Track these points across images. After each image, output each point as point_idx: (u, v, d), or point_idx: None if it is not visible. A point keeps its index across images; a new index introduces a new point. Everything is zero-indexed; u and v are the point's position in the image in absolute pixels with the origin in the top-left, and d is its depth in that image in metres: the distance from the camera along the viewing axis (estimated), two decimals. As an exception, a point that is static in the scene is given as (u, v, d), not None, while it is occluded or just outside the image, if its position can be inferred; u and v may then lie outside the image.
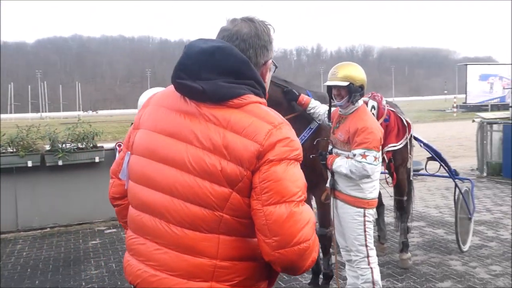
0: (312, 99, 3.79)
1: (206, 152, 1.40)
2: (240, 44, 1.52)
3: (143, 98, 3.31)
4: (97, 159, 6.79)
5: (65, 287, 4.52)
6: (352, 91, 3.32)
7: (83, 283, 4.60)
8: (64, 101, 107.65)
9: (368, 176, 3.23)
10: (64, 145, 6.61)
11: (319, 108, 3.74)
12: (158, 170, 1.47)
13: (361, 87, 3.33)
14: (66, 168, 6.66)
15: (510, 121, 9.52)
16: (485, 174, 9.60)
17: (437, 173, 5.48)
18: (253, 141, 1.38)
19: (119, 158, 1.72)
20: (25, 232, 6.50)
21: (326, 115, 3.68)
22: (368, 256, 3.34)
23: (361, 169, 3.18)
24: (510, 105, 10.33)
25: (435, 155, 5.22)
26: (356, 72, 3.35)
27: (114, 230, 6.54)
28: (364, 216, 3.32)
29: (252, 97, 1.46)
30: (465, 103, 40.91)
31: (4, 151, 6.42)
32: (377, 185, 3.42)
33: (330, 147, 3.55)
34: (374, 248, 3.43)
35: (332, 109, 3.60)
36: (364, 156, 3.18)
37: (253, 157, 1.38)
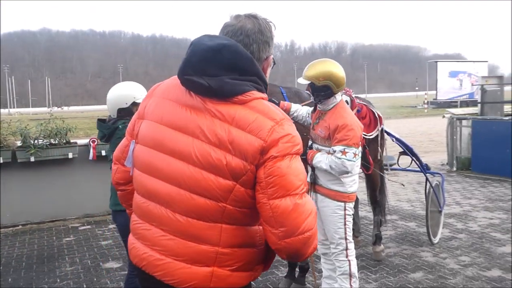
0: (292, 104, 3.82)
1: (212, 146, 1.48)
2: (244, 39, 1.61)
3: (113, 92, 3.35)
4: (70, 155, 6.69)
5: (39, 285, 4.45)
6: (313, 90, 3.39)
7: (58, 280, 4.55)
8: (33, 96, 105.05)
9: (347, 172, 3.29)
10: (36, 141, 6.49)
11: (300, 111, 3.79)
12: (165, 162, 1.54)
13: (326, 86, 3.33)
14: (38, 164, 6.54)
15: (479, 117, 9.82)
16: (454, 169, 9.86)
17: (409, 168, 5.60)
18: (257, 137, 1.46)
19: (123, 146, 1.78)
20: (-5, 230, 6.36)
21: (308, 116, 3.72)
22: (346, 249, 3.41)
23: (340, 165, 3.23)
24: (479, 101, 10.62)
25: (407, 150, 5.34)
26: (318, 71, 3.34)
27: (89, 227, 6.46)
28: (345, 209, 3.39)
29: (255, 93, 1.54)
30: (435, 99, 41.83)
31: (-27, 147, 6.26)
32: (356, 179, 3.49)
33: (310, 142, 3.60)
34: (353, 241, 3.50)
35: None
36: (344, 152, 3.23)
37: (257, 152, 1.46)
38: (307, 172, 3.93)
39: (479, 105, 10.51)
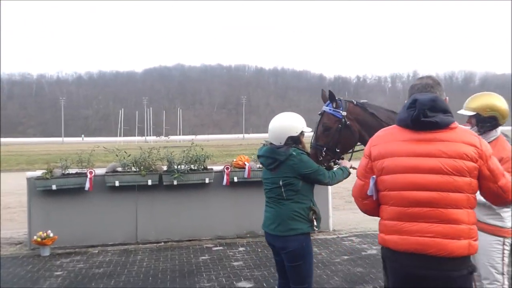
0: None
1: (452, 159, 2.30)
2: (431, 90, 2.52)
3: (283, 121, 3.44)
4: (207, 180, 7.34)
5: (183, 296, 4.95)
6: (479, 121, 3.41)
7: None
8: (167, 125, 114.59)
9: (508, 205, 3.24)
10: (179, 166, 7.25)
11: None
12: (422, 178, 2.31)
13: (492, 117, 3.37)
14: (179, 187, 7.28)
15: None
16: None
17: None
18: (475, 147, 2.33)
19: (359, 185, 2.58)
20: (143, 244, 7.17)
21: None
22: (503, 284, 3.33)
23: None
24: None
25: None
26: (488, 103, 3.40)
27: (221, 248, 6.97)
28: (504, 244, 3.32)
29: (456, 122, 2.40)
30: None
31: (129, 170, 7.19)
32: None
33: None
34: (508, 276, 3.40)
35: None
36: None
37: (477, 156, 2.32)
38: None
39: None
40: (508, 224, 3.34)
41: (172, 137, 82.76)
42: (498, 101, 3.44)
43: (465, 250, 2.28)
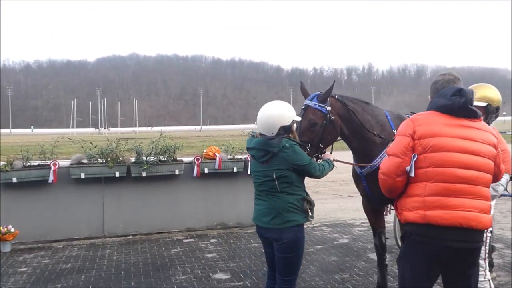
0: None
1: (487, 145, 2.64)
2: (453, 84, 2.79)
3: (275, 110, 3.28)
4: (177, 172, 7.19)
5: (159, 289, 4.83)
6: (489, 112, 3.46)
7: (175, 287, 4.91)
8: (122, 117, 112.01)
9: (495, 197, 3.32)
10: (148, 158, 7.05)
11: None
12: (469, 158, 2.56)
13: (497, 108, 3.45)
14: (148, 179, 7.10)
15: None
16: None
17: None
18: (495, 137, 2.71)
19: (397, 163, 2.64)
20: (110, 238, 6.95)
21: None
22: (485, 269, 3.42)
23: (491, 190, 3.20)
24: None
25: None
26: (493, 94, 3.46)
27: (192, 240, 6.86)
28: (486, 232, 3.40)
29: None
30: (527, 125, 39.09)
31: (95, 162, 6.93)
32: (494, 203, 3.50)
33: None
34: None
35: None
36: None
37: (497, 145, 2.72)
38: None
39: None
40: (491, 213, 3.43)
41: (126, 129, 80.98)
42: (497, 92, 3.55)
43: (490, 223, 2.61)
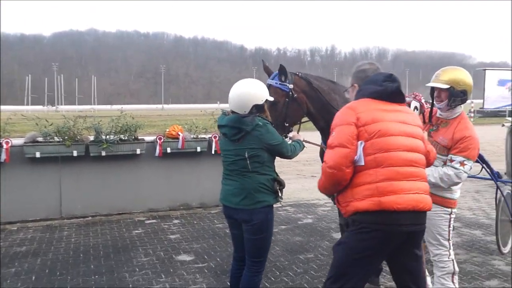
0: None
1: (418, 127, 2.70)
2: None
3: (248, 88, 3.18)
4: (138, 151, 6.96)
5: (120, 273, 4.68)
6: (453, 95, 3.36)
7: (137, 269, 4.77)
8: (80, 94, 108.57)
9: (458, 184, 3.33)
10: (108, 137, 6.79)
11: None
12: (411, 141, 2.60)
13: (463, 92, 3.35)
14: (108, 159, 6.85)
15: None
16: (506, 178, 9.58)
17: (479, 175, 5.52)
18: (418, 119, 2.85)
19: (344, 153, 2.51)
20: (68, 219, 6.70)
21: None
22: (449, 249, 3.45)
23: (454, 177, 3.25)
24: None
25: (478, 157, 5.28)
26: (460, 76, 3.36)
27: (154, 221, 6.70)
28: (450, 214, 3.43)
29: None
30: (482, 108, 40.58)
31: (51, 140, 6.61)
32: (460, 185, 3.50)
33: None
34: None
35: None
36: (462, 164, 3.25)
37: (422, 126, 2.85)
38: None
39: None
40: (455, 195, 3.47)
41: (84, 107, 78.70)
42: (468, 76, 3.43)
43: (431, 204, 2.64)
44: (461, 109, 3.46)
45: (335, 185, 2.58)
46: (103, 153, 6.73)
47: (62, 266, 4.85)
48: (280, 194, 3.23)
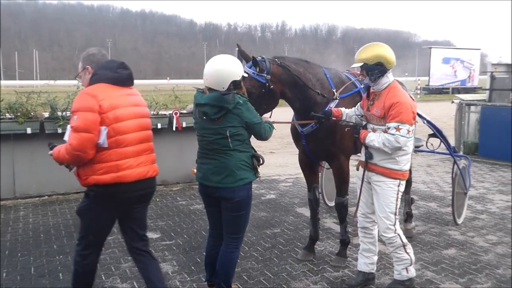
0: (342, 109, 3.98)
1: (145, 107, 3.20)
2: (106, 58, 3.21)
3: (226, 64, 3.12)
4: (96, 128, 6.71)
5: (86, 252, 4.55)
6: (368, 70, 3.55)
7: (103, 248, 4.64)
8: (20, 69, 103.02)
9: (400, 148, 3.45)
10: (64, 113, 6.51)
11: (350, 112, 3.96)
12: (142, 121, 3.08)
13: (379, 64, 3.52)
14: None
15: (488, 103, 10.04)
16: (461, 153, 10.09)
17: (437, 150, 5.77)
18: (140, 96, 3.23)
19: (88, 138, 2.80)
20: (23, 199, 6.43)
21: (358, 109, 3.89)
22: (394, 224, 3.59)
23: (394, 141, 3.40)
24: (487, 88, 10.84)
25: (437, 132, 5.50)
26: (371, 53, 3.54)
27: (114, 199, 6.54)
28: (399, 186, 3.56)
29: None
30: (427, 85, 42.13)
31: (2, 117, 6.26)
32: (409, 158, 3.64)
33: (364, 122, 3.75)
34: (398, 217, 3.67)
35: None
36: (398, 129, 3.40)
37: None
38: (346, 149, 4.14)
39: (487, 92, 10.73)
40: (404, 167, 3.60)
41: (25, 82, 74.87)
42: (382, 48, 3.61)
43: (157, 170, 3.18)
44: (389, 79, 3.60)
45: (77, 162, 2.90)
46: (59, 130, 6.44)
47: (22, 247, 4.66)
48: (258, 171, 3.23)
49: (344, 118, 3.94)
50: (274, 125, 3.47)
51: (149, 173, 3.06)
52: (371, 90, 3.71)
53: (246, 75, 3.26)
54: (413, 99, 4.82)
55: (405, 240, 3.63)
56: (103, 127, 2.84)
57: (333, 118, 3.91)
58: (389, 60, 3.56)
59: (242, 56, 3.86)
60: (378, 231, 3.73)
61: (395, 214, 3.61)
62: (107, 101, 2.87)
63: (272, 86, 3.73)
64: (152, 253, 3.28)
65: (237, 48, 3.93)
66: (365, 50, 3.62)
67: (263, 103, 3.72)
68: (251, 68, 3.70)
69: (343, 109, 3.99)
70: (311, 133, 4.09)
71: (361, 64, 3.58)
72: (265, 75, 3.69)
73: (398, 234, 3.62)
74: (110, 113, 2.87)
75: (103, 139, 2.84)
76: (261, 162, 3.24)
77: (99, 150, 2.87)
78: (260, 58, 3.78)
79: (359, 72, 4.54)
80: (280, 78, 3.83)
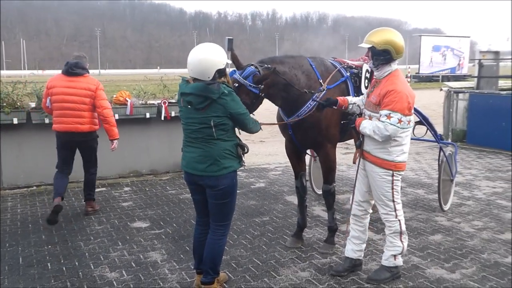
0: (349, 98, 3.94)
1: (83, 90, 5.13)
2: (79, 59, 5.46)
3: (210, 53, 3.09)
4: (84, 118, 6.66)
5: (75, 242, 4.56)
6: (373, 54, 3.51)
7: (92, 238, 4.66)
8: (7, 58, 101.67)
9: (389, 137, 3.43)
10: (50, 103, 6.43)
11: (353, 100, 3.93)
12: (70, 97, 5.11)
13: (386, 51, 3.46)
14: (51, 126, 6.50)
15: (476, 91, 10.11)
16: (449, 140, 10.18)
17: (424, 137, 5.81)
18: (94, 85, 5.28)
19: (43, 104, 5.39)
20: (10, 190, 6.39)
21: (364, 97, 3.85)
22: (395, 210, 3.60)
23: (383, 129, 3.38)
24: (475, 75, 10.90)
25: (423, 120, 5.54)
26: (382, 37, 3.48)
27: (104, 189, 6.54)
28: (393, 176, 3.55)
29: (88, 74, 5.42)
30: (418, 73, 42.25)
31: (-12, 107, 6.19)
32: (405, 149, 3.59)
33: (359, 111, 3.76)
34: (401, 203, 3.69)
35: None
36: (388, 117, 3.38)
37: (94, 90, 5.29)
38: (331, 138, 4.15)
39: (475, 79, 10.79)
40: (397, 159, 3.55)
41: (13, 72, 73.92)
42: (395, 36, 3.52)
43: (87, 128, 5.16)
44: (391, 67, 3.55)
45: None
46: (46, 121, 6.39)
47: (11, 238, 4.65)
48: (243, 159, 3.24)
49: (350, 108, 3.91)
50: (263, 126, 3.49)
51: (73, 128, 5.15)
52: (373, 77, 3.70)
53: (230, 61, 3.25)
54: None
55: (404, 228, 3.66)
56: (49, 97, 5.22)
57: (334, 107, 3.90)
58: (397, 50, 3.49)
59: (235, 62, 3.77)
60: (380, 215, 3.76)
61: (393, 202, 3.61)
62: (52, 83, 5.23)
63: (263, 94, 3.72)
64: None
65: (228, 47, 3.90)
66: (376, 33, 3.56)
67: (253, 108, 3.69)
68: (247, 80, 3.61)
69: (349, 97, 3.98)
70: (297, 122, 4.09)
71: (369, 46, 3.51)
72: (260, 86, 3.63)
73: (399, 221, 3.64)
74: (52, 90, 5.14)
75: (48, 103, 5.23)
76: (246, 150, 3.24)
77: (47, 111, 5.45)
78: (253, 68, 3.68)
79: (364, 56, 4.54)
80: (271, 84, 3.78)
